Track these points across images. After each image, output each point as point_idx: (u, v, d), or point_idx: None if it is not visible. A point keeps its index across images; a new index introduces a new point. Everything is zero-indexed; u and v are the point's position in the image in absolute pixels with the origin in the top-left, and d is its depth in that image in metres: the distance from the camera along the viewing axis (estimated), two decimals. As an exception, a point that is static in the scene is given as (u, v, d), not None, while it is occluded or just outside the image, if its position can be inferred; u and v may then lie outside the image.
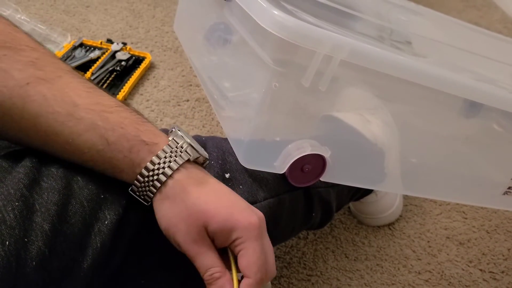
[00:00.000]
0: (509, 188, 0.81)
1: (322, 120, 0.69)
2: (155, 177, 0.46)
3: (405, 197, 1.05)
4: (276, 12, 0.46)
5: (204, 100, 1.20)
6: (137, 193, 0.48)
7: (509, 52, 1.11)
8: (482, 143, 0.77)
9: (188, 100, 1.19)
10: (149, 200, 0.48)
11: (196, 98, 1.20)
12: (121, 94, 1.13)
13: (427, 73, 0.57)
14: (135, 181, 0.47)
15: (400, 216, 1.03)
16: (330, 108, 0.67)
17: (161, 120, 1.12)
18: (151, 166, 0.46)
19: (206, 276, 0.46)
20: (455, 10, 2.04)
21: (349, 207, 1.03)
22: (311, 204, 0.68)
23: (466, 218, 1.05)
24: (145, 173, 0.46)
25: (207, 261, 0.46)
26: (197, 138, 0.62)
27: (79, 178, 0.49)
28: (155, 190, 0.47)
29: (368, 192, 0.94)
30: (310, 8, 0.71)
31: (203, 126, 1.12)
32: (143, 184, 0.47)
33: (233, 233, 0.46)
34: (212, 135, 1.10)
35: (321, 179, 0.62)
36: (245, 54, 0.64)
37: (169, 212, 0.46)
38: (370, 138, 0.76)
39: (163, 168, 0.46)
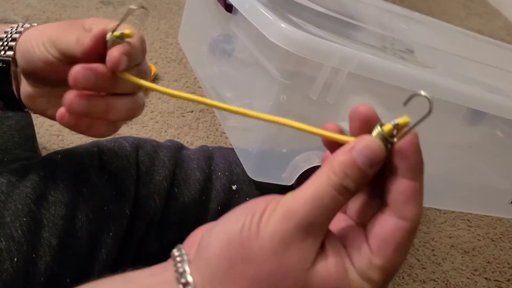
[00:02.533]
0: (515, 196, 0.81)
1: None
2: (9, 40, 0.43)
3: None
4: (283, 25, 0.46)
5: (208, 111, 1.20)
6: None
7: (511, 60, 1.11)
8: (486, 151, 0.77)
9: (192, 111, 1.19)
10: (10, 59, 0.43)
11: (200, 109, 1.20)
12: (125, 105, 1.14)
13: (432, 83, 0.57)
14: None
15: (405, 225, 1.02)
16: (336, 118, 0.67)
17: (165, 132, 1.12)
18: (4, 34, 0.43)
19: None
20: (458, 17, 2.05)
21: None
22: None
23: (470, 226, 1.04)
24: None
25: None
26: (204, 149, 0.62)
27: (84, 190, 0.50)
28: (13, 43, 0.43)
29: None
30: (314, 19, 0.72)
31: (207, 137, 1.12)
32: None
33: None
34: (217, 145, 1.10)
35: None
36: (250, 65, 0.64)
37: (33, 34, 0.41)
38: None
39: (13, 32, 0.43)
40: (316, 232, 0.27)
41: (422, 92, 0.27)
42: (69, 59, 0.39)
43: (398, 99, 0.63)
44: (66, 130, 1.09)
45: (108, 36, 0.37)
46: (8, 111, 0.47)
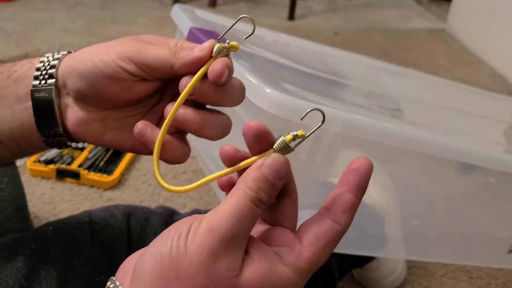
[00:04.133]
0: (513, 245, 0.80)
1: (320, 186, 0.69)
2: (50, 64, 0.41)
3: (408, 260, 1.04)
4: (269, 90, 0.47)
5: (200, 172, 1.20)
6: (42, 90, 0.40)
7: (498, 109, 1.13)
8: (482, 199, 0.77)
9: (185, 172, 1.19)
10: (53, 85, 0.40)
11: (192, 170, 1.21)
12: (118, 170, 1.14)
13: (419, 139, 0.58)
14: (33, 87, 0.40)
15: (405, 279, 1.01)
16: (328, 174, 0.67)
17: (158, 194, 1.12)
18: (40, 64, 0.41)
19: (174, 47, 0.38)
20: (444, 67, 2.09)
21: (352, 274, 1.01)
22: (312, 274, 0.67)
23: (471, 278, 1.03)
24: (37, 73, 0.41)
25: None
26: (196, 213, 0.62)
27: (75, 262, 0.49)
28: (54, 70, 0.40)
29: (370, 257, 0.93)
30: (299, 80, 0.73)
31: (200, 198, 1.12)
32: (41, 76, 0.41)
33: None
34: (210, 207, 1.09)
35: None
36: (238, 124, 0.65)
37: (88, 54, 0.39)
38: (369, 203, 0.76)
39: (51, 60, 0.41)
40: (240, 242, 0.30)
41: (318, 107, 0.32)
42: (149, 74, 0.38)
43: (389, 151, 0.64)
44: (58, 197, 1.08)
45: (216, 46, 0.36)
46: (48, 147, 0.43)
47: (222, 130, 0.39)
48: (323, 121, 0.32)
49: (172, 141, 0.38)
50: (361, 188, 0.32)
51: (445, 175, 0.71)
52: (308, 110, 0.32)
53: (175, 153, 0.39)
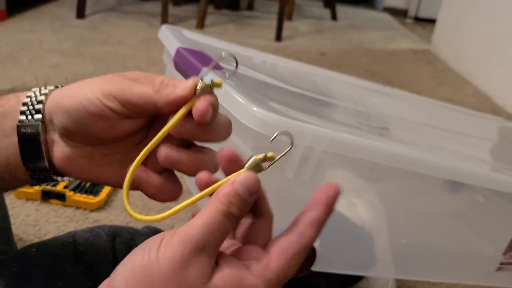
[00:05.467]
0: (501, 263, 0.80)
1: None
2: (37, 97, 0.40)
3: (398, 280, 1.03)
4: (255, 108, 0.47)
5: (188, 192, 1.19)
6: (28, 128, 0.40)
7: (483, 127, 1.14)
8: (469, 218, 0.77)
9: (172, 193, 1.18)
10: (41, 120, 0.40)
11: (180, 190, 1.20)
12: (104, 192, 1.13)
13: (406, 157, 0.58)
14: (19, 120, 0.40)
15: (395, 299, 1.00)
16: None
17: (145, 215, 1.10)
18: (27, 99, 0.40)
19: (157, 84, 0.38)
20: (429, 87, 2.12)
21: (342, 293, 1.01)
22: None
23: (461, 297, 1.02)
24: (27, 100, 0.40)
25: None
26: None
27: (59, 284, 0.48)
28: (41, 106, 0.40)
29: (359, 277, 0.92)
30: (287, 99, 0.73)
31: (188, 219, 1.11)
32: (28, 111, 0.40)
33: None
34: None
35: (312, 268, 0.61)
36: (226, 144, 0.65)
37: (74, 90, 0.39)
38: (357, 222, 0.76)
39: (38, 95, 0.41)
40: (210, 252, 0.31)
41: (285, 131, 0.34)
42: (133, 112, 0.38)
43: (376, 170, 0.64)
44: (43, 219, 1.07)
45: (199, 85, 0.36)
46: (34, 182, 0.43)
47: (215, 167, 0.40)
48: (292, 145, 0.34)
49: (164, 182, 0.40)
50: (328, 206, 0.34)
51: (433, 194, 0.71)
52: (276, 133, 0.34)
53: (169, 194, 0.41)
